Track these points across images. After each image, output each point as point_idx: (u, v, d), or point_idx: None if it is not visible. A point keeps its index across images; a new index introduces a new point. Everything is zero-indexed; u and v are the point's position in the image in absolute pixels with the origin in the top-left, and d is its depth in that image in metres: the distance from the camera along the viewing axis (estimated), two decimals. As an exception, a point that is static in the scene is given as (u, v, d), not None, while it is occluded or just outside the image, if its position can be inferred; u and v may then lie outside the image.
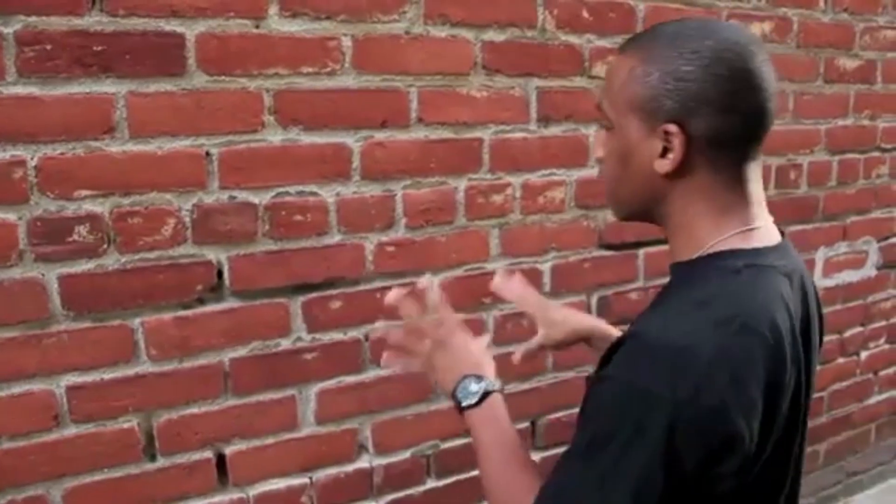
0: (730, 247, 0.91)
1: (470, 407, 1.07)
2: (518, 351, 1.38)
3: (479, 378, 1.09)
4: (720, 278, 0.89)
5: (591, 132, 2.03)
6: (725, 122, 0.87)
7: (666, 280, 0.99)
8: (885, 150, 2.77)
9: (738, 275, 0.89)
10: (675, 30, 0.91)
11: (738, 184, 0.92)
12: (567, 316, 1.39)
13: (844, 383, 2.90)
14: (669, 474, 0.80)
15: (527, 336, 1.40)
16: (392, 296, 1.16)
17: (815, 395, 2.75)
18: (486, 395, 1.07)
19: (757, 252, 0.92)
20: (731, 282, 0.88)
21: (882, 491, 3.15)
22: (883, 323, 2.98)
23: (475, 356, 1.13)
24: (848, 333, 2.86)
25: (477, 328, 1.94)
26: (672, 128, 0.88)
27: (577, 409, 0.94)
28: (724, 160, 0.90)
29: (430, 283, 1.21)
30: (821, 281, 2.69)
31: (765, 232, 0.95)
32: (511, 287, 1.38)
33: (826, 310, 2.66)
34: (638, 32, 0.98)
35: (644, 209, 0.97)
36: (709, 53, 0.86)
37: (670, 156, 0.89)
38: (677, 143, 0.88)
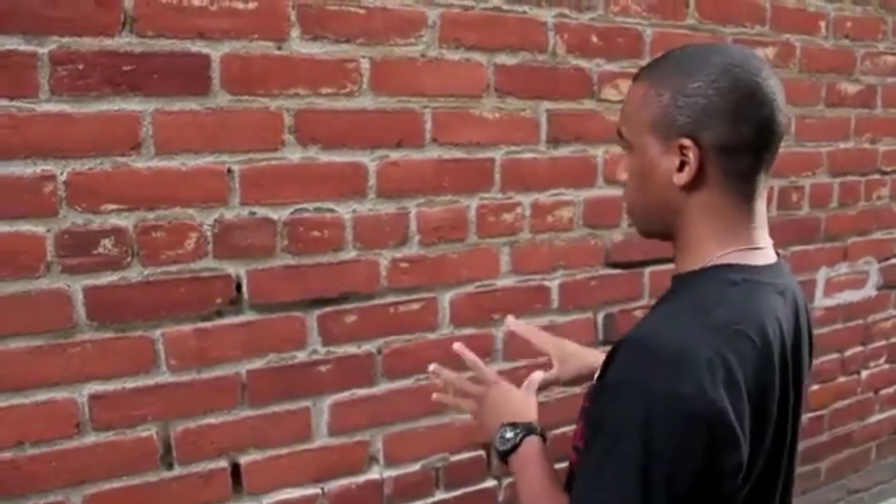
0: (729, 261, 0.97)
1: (507, 453, 1.14)
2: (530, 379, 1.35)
3: (515, 425, 1.15)
4: (718, 288, 0.94)
5: (599, 153, 2.08)
6: (735, 133, 0.93)
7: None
8: (885, 173, 2.81)
9: (735, 286, 0.94)
10: (682, 53, 0.98)
11: (747, 198, 0.97)
12: (581, 351, 1.43)
13: (845, 402, 2.93)
14: (679, 469, 0.84)
15: (534, 352, 1.43)
16: (432, 367, 1.31)
17: (817, 414, 2.79)
18: (521, 440, 1.14)
19: (754, 269, 0.97)
20: (727, 292, 0.94)
21: (882, 509, 3.17)
22: (883, 342, 3.01)
23: (514, 404, 1.20)
24: (849, 353, 2.89)
25: (487, 344, 1.98)
26: (686, 142, 0.93)
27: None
28: (736, 170, 0.95)
29: (461, 348, 1.29)
30: (822, 301, 2.73)
31: (763, 252, 1.00)
32: (525, 326, 1.47)
33: (827, 329, 2.71)
34: (648, 62, 1.04)
35: (662, 222, 1.02)
36: (714, 70, 0.92)
37: (687, 168, 0.94)
38: (692, 155, 0.93)
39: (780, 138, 0.97)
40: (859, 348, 2.92)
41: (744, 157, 0.95)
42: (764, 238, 1.01)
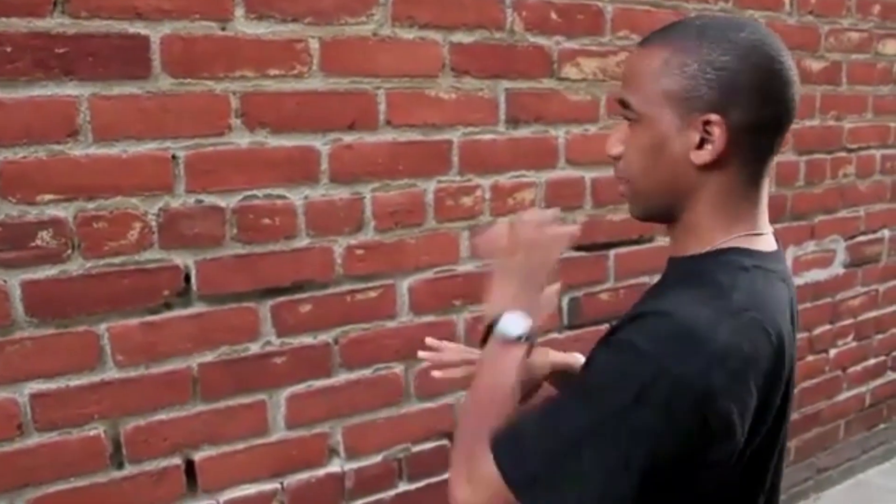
0: (738, 245, 0.92)
1: (506, 339, 0.99)
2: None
3: (527, 321, 0.99)
4: (731, 273, 0.89)
5: (561, 133, 2.04)
6: (762, 112, 0.88)
7: (642, 277, 1.00)
8: (850, 150, 2.81)
9: (747, 272, 0.90)
10: (706, 23, 0.91)
11: (757, 181, 0.93)
12: (541, 352, 1.37)
13: (814, 380, 2.94)
14: (656, 445, 0.81)
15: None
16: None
17: (784, 393, 2.80)
18: (528, 340, 0.99)
19: (762, 255, 0.93)
20: (741, 278, 0.89)
21: (851, 486, 3.19)
22: (850, 321, 3.02)
23: (538, 300, 1.03)
24: (817, 331, 2.90)
25: (448, 331, 1.94)
26: (714, 117, 0.87)
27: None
28: (755, 151, 0.91)
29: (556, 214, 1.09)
30: (789, 280, 2.72)
31: (766, 238, 0.96)
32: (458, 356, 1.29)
33: (795, 308, 2.71)
34: (661, 28, 0.95)
35: (668, 203, 0.95)
36: (745, 44, 0.87)
37: (708, 147, 0.88)
38: (718, 132, 0.87)
39: (794, 119, 0.93)
40: (827, 326, 2.93)
41: (765, 137, 0.90)
42: (766, 224, 0.97)
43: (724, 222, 0.93)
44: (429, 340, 1.26)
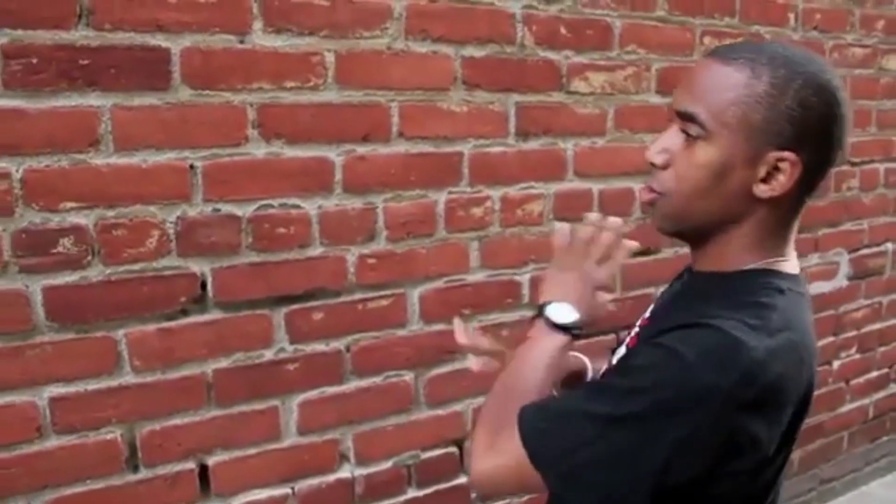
0: (770, 268, 0.94)
1: (553, 324, 1.01)
2: None
3: (574, 314, 1.02)
4: (769, 295, 0.90)
5: (569, 146, 2.07)
6: (828, 155, 0.90)
7: (648, 288, 1.02)
8: (854, 164, 2.83)
9: (783, 295, 0.91)
10: (789, 56, 0.89)
11: (798, 212, 0.95)
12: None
13: (817, 392, 2.92)
14: (680, 452, 0.82)
15: (511, 345, 1.40)
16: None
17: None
18: (572, 332, 1.02)
19: (792, 278, 0.95)
20: (779, 300, 0.90)
21: (854, 497, 3.19)
22: (854, 333, 3.03)
23: (590, 301, 1.05)
24: (820, 343, 2.89)
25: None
26: (790, 155, 0.87)
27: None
28: (808, 189, 0.92)
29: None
30: (793, 292, 2.73)
31: (793, 262, 0.98)
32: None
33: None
34: (738, 45, 0.95)
35: (707, 226, 0.95)
36: (829, 87, 0.88)
37: (774, 182, 0.89)
38: (790, 171, 0.88)
39: None
40: (831, 338, 2.94)
41: (820, 176, 0.92)
42: (793, 249, 0.99)
43: (758, 248, 0.94)
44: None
